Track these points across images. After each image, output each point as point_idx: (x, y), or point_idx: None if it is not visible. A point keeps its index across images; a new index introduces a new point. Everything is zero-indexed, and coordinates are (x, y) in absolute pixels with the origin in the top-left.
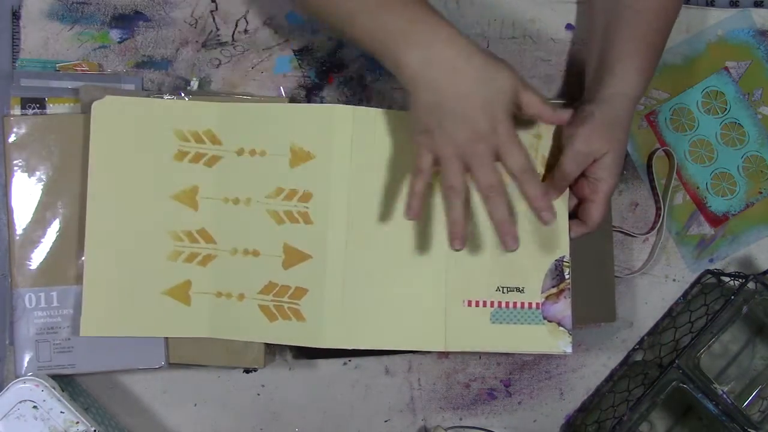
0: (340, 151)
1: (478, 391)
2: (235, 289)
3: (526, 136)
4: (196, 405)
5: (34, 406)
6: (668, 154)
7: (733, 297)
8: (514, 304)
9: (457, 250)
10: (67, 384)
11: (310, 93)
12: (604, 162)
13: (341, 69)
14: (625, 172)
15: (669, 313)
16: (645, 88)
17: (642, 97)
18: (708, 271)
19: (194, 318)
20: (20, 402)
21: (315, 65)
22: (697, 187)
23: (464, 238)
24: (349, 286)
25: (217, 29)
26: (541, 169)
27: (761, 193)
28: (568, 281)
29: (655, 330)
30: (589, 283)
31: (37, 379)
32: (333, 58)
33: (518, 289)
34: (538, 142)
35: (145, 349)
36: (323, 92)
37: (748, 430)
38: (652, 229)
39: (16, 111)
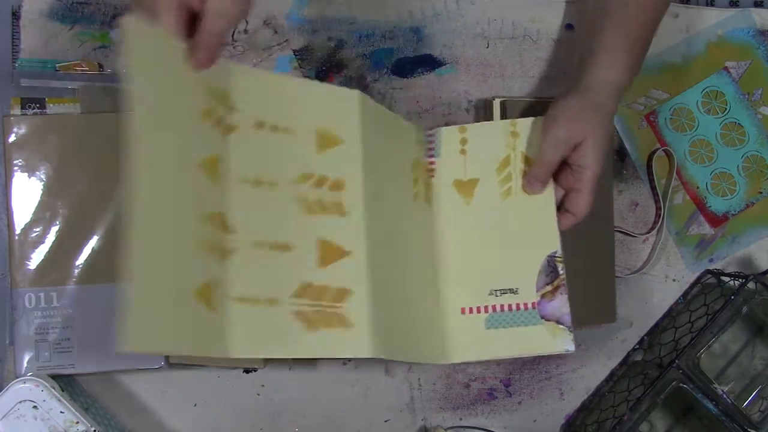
0: (369, 138)
1: (478, 391)
2: (263, 292)
3: (502, 135)
4: (196, 405)
5: (34, 406)
6: (668, 154)
7: (733, 297)
8: (509, 306)
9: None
10: (67, 384)
11: None
12: (585, 148)
13: (341, 69)
14: (625, 171)
15: (669, 313)
16: (630, 79)
17: (627, 89)
18: (708, 271)
19: (217, 329)
20: (20, 402)
21: (315, 65)
22: (697, 187)
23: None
24: (389, 287)
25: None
26: (521, 165)
27: (761, 193)
28: (562, 277)
29: (655, 330)
30: (589, 283)
31: (37, 379)
32: (333, 58)
33: (512, 291)
34: (515, 140)
35: None
36: None
37: (748, 430)
38: (652, 229)
39: (16, 111)
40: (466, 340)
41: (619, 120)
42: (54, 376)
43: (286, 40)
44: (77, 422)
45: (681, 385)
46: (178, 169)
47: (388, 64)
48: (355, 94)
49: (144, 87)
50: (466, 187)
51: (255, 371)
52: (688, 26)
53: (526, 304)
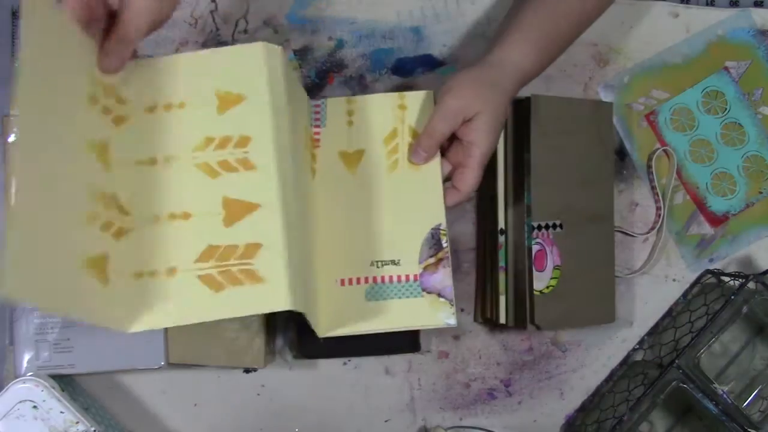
0: (275, 89)
1: (478, 391)
2: (162, 264)
3: (389, 107)
4: (196, 405)
5: (34, 406)
6: (668, 154)
7: (733, 297)
8: (390, 278)
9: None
10: (67, 384)
11: (310, 93)
12: (477, 123)
13: (341, 69)
14: (624, 171)
15: (669, 313)
16: (537, 64)
17: (531, 76)
18: (708, 271)
19: (112, 303)
20: (20, 402)
21: (315, 65)
22: (697, 187)
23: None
24: (299, 243)
25: (217, 29)
26: (408, 138)
27: (761, 193)
28: (446, 250)
29: (655, 330)
30: (589, 283)
31: (36, 379)
32: (333, 58)
33: (393, 262)
34: (403, 113)
35: (145, 349)
36: (323, 92)
37: (748, 430)
38: (652, 229)
39: (16, 111)
40: (346, 311)
41: (619, 120)
42: (54, 376)
43: (287, 40)
44: (77, 422)
45: (681, 385)
46: (63, 145)
47: (388, 64)
48: (259, 46)
49: (33, 63)
50: (351, 158)
51: (255, 371)
52: (688, 26)
53: (408, 276)
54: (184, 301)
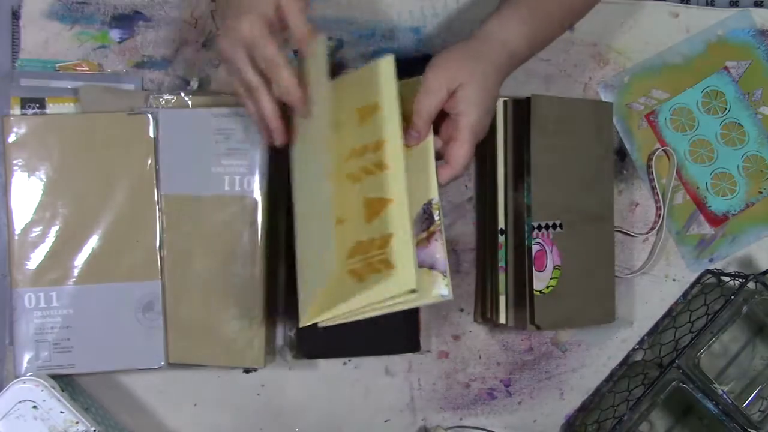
0: (397, 94)
1: (478, 391)
2: (329, 265)
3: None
4: (196, 405)
5: (34, 406)
6: (668, 154)
7: (733, 297)
8: None
9: (278, 147)
10: (67, 384)
11: None
12: (464, 94)
13: (341, 69)
14: (624, 171)
15: (669, 313)
16: (522, 38)
17: (519, 57)
18: (708, 271)
19: (303, 307)
20: (20, 402)
21: None
22: (697, 187)
23: (282, 131)
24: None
25: (217, 29)
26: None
27: (761, 193)
28: (438, 223)
29: (655, 330)
30: (589, 283)
31: (36, 379)
32: (333, 58)
33: None
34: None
35: (145, 349)
36: None
37: (748, 430)
38: (652, 229)
39: (16, 111)
40: (338, 294)
41: (619, 120)
42: (54, 376)
43: (286, 39)
44: (77, 422)
45: (681, 385)
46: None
47: None
48: (390, 59)
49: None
50: None
51: (255, 371)
52: (688, 26)
53: None
54: (339, 296)
